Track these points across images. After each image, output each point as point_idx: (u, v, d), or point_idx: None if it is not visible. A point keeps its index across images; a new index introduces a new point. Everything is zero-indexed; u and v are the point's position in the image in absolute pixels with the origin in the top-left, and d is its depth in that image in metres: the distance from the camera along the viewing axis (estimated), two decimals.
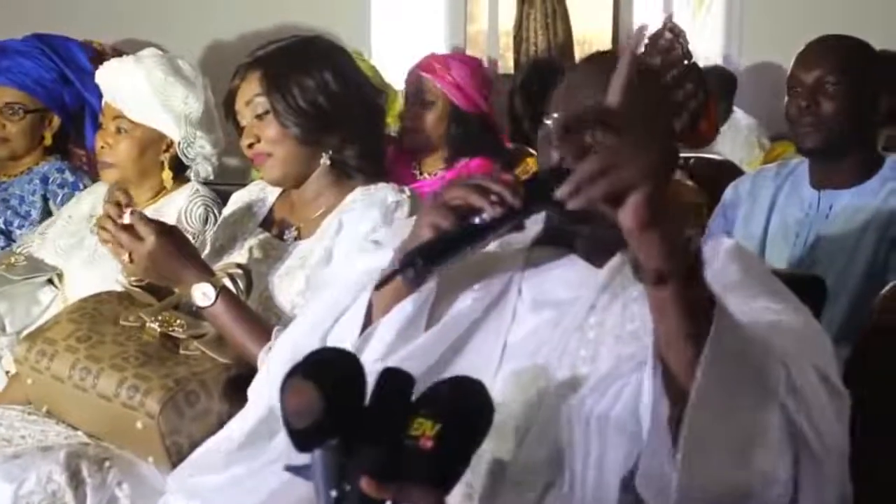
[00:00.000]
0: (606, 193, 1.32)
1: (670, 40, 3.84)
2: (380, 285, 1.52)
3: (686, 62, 3.83)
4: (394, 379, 1.30)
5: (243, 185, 2.80)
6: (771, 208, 2.84)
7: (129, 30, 4.76)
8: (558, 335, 1.69)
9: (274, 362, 1.91)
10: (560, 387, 1.65)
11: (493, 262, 1.78)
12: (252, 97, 2.34)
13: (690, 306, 1.37)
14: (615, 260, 1.72)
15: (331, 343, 1.77)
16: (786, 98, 2.82)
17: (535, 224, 1.78)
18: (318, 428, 1.22)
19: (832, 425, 1.46)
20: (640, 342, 1.62)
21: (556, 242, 1.78)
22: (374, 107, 2.47)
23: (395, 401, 1.28)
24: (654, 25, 4.59)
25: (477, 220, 1.55)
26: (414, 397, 1.30)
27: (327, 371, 1.25)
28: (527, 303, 1.75)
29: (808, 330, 1.63)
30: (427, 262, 1.48)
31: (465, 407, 1.29)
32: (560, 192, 1.29)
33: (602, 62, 1.80)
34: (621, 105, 1.34)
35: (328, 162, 2.36)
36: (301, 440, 1.23)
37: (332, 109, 2.33)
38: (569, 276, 1.75)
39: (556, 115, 1.71)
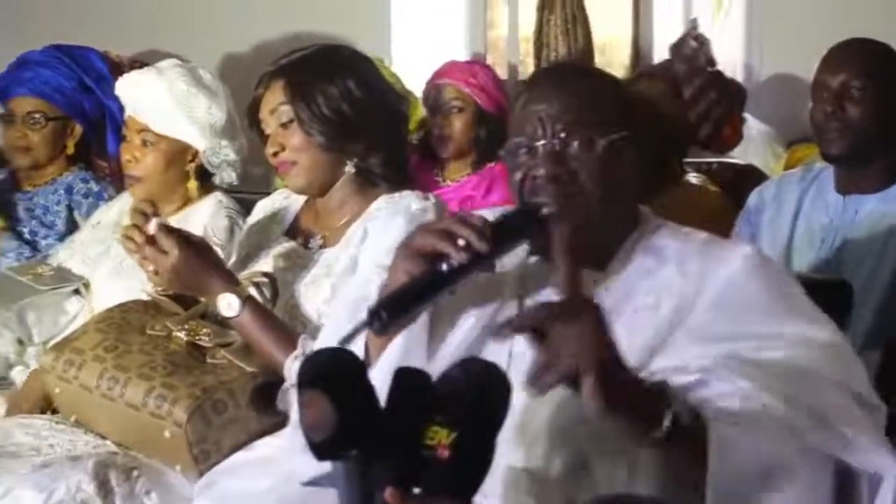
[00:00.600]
0: (562, 380, 1.39)
1: (694, 48, 3.84)
2: (345, 341, 1.52)
3: (710, 69, 3.83)
4: (409, 381, 1.30)
5: (267, 193, 2.81)
6: (796, 213, 2.82)
7: (147, 41, 4.77)
8: None
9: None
10: (568, 396, 1.65)
11: (492, 279, 1.79)
12: (276, 106, 2.35)
13: (684, 455, 1.45)
14: (613, 264, 1.74)
15: None
16: (809, 103, 2.81)
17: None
18: (335, 441, 1.22)
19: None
20: (652, 353, 1.64)
21: (549, 253, 1.79)
22: (398, 114, 2.47)
23: (411, 406, 1.27)
24: (673, 30, 4.60)
25: (444, 267, 1.59)
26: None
27: (340, 382, 1.25)
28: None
29: (837, 350, 1.64)
30: (391, 315, 1.54)
31: (481, 406, 1.28)
32: (527, 386, 1.37)
33: (554, 77, 1.84)
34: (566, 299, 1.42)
35: (353, 170, 2.37)
36: (320, 452, 1.23)
37: (356, 117, 2.33)
38: None
39: (520, 139, 1.75)
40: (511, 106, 3.80)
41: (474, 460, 1.26)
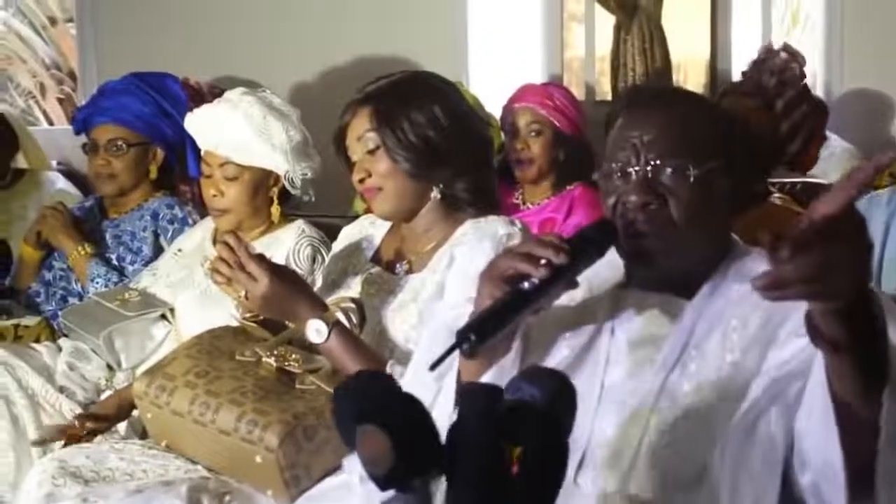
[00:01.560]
0: (808, 297, 1.27)
1: (786, 60, 3.80)
2: (434, 365, 1.53)
3: (802, 81, 3.79)
4: (480, 400, 1.25)
5: (347, 217, 2.82)
6: (886, 235, 2.78)
7: (222, 67, 4.84)
8: (657, 371, 1.69)
9: None
10: (663, 421, 1.65)
11: (584, 310, 1.81)
12: (363, 133, 2.37)
13: (867, 368, 1.33)
14: (704, 289, 1.73)
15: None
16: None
17: (617, 266, 1.80)
18: (395, 474, 1.20)
19: None
20: (741, 373, 1.63)
21: (641, 283, 1.79)
22: (483, 139, 2.48)
23: (486, 425, 1.23)
24: (751, 48, 4.56)
25: (525, 285, 1.61)
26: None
27: (396, 416, 1.22)
28: (621, 343, 1.76)
29: None
30: (480, 337, 1.55)
31: (550, 420, 1.25)
32: (757, 283, 1.23)
33: (650, 102, 1.82)
34: (841, 215, 1.24)
35: (439, 195, 2.37)
36: (381, 484, 1.22)
37: (441, 143, 2.35)
38: (661, 311, 1.75)
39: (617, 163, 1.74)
40: (587, 126, 3.84)
41: (544, 472, 1.23)
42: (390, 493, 1.23)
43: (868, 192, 2.48)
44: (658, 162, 1.71)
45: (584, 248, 1.68)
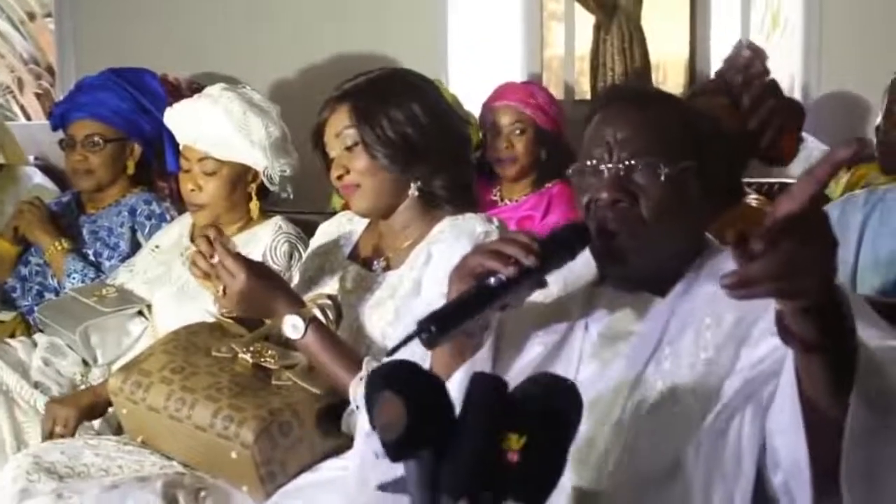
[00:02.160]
0: (775, 295, 1.27)
1: (749, 57, 3.82)
2: (391, 352, 1.54)
3: (767, 77, 3.81)
4: (485, 385, 1.30)
5: (324, 213, 2.82)
6: (861, 237, 2.79)
7: (201, 64, 4.83)
8: (630, 366, 1.70)
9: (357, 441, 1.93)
10: (637, 417, 1.66)
11: (558, 307, 1.81)
12: (341, 129, 2.37)
13: (836, 368, 1.33)
14: (678, 287, 1.74)
15: None
16: (878, 120, 2.78)
17: (591, 267, 1.80)
18: (407, 440, 1.23)
19: None
20: (715, 371, 1.63)
21: (614, 281, 1.79)
22: (462, 136, 2.48)
23: (486, 410, 1.27)
24: (730, 49, 4.58)
25: (492, 281, 1.62)
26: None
27: (412, 383, 1.27)
28: (594, 339, 1.76)
29: None
30: (440, 329, 1.56)
31: (551, 412, 1.28)
32: (724, 281, 1.24)
33: (624, 101, 1.83)
34: (804, 213, 1.24)
35: (416, 192, 2.38)
36: (393, 452, 1.24)
37: (420, 140, 2.35)
38: (635, 308, 1.76)
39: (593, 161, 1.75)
40: (566, 125, 3.85)
41: (544, 466, 1.26)
42: (397, 470, 1.25)
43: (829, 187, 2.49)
44: (630, 160, 1.72)
45: (555, 250, 1.68)
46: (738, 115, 3.51)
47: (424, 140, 2.35)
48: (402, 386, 1.26)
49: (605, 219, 1.71)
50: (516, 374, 1.73)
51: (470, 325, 1.64)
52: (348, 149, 2.36)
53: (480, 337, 1.75)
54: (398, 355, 1.57)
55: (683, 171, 1.73)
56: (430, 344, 1.58)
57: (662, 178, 1.71)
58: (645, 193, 1.71)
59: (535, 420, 1.26)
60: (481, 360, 1.73)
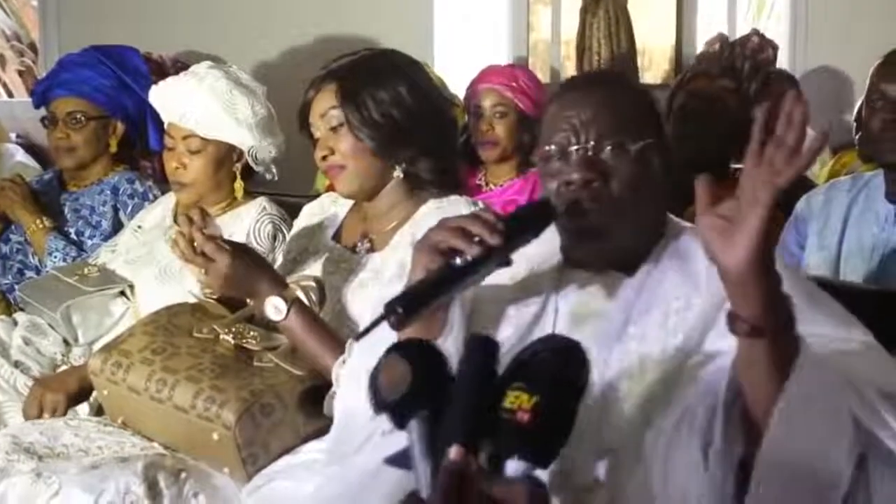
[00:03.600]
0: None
1: (759, 44, 3.83)
2: (360, 336, 1.57)
3: (774, 65, 3.81)
4: (481, 346, 1.34)
5: (308, 196, 2.81)
6: (845, 223, 2.79)
7: (185, 42, 4.80)
8: (599, 346, 1.70)
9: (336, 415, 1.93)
10: (604, 397, 1.67)
11: (526, 287, 1.82)
12: (327, 110, 2.35)
13: (780, 358, 1.41)
14: (645, 266, 1.76)
15: None
16: (857, 108, 2.78)
17: (555, 247, 1.81)
18: (410, 398, 1.28)
19: None
20: (686, 357, 1.65)
21: (582, 262, 1.80)
22: (447, 119, 2.47)
23: (483, 368, 1.31)
24: (715, 34, 4.58)
25: (458, 261, 1.63)
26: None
27: (415, 347, 1.34)
28: (565, 318, 1.77)
29: (871, 351, 1.64)
30: (407, 310, 1.57)
31: (563, 374, 1.31)
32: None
33: (584, 85, 1.88)
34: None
35: (401, 174, 2.36)
36: (396, 412, 1.29)
37: (406, 122, 2.33)
38: (602, 287, 1.77)
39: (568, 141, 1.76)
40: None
41: (554, 427, 1.28)
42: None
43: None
44: (598, 139, 1.74)
45: (519, 228, 1.69)
46: (739, 98, 3.51)
47: (410, 122, 2.33)
48: (405, 348, 1.33)
49: (580, 199, 1.72)
50: None
51: (437, 305, 1.65)
52: (333, 129, 2.35)
53: (445, 314, 1.74)
54: (369, 338, 1.60)
55: (647, 148, 1.76)
56: (398, 325, 1.59)
57: (631, 155, 1.74)
58: (615, 171, 1.74)
59: (546, 381, 1.29)
60: (451, 343, 1.72)
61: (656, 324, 1.69)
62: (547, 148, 1.78)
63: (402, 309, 1.57)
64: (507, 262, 1.68)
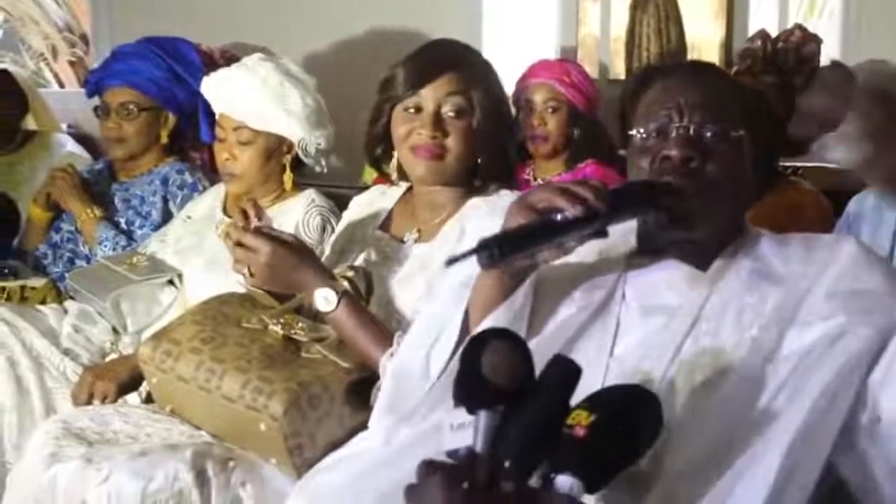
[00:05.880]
0: None
1: (802, 37, 3.78)
2: (450, 262, 1.53)
3: (819, 59, 3.76)
4: (561, 370, 1.36)
5: (356, 188, 2.80)
6: (894, 241, 2.75)
7: (233, 34, 4.81)
8: (668, 340, 1.68)
9: (384, 383, 1.94)
10: (674, 394, 1.64)
11: (594, 270, 1.80)
12: (444, 95, 2.32)
13: None
14: (718, 262, 1.74)
15: (433, 360, 1.84)
16: None
17: (628, 234, 1.80)
18: (503, 392, 1.30)
19: None
20: (758, 352, 1.62)
21: (661, 250, 1.78)
22: (511, 114, 2.48)
23: (559, 385, 1.33)
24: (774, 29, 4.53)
25: (558, 217, 1.61)
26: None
27: (524, 346, 1.35)
28: (633, 309, 1.75)
29: None
30: (502, 250, 1.55)
31: (627, 406, 1.32)
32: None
33: (692, 70, 1.87)
34: None
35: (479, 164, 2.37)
36: (479, 395, 1.30)
37: (502, 116, 2.39)
38: (674, 280, 1.75)
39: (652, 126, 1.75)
40: (600, 104, 3.82)
41: (609, 449, 1.30)
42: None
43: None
44: (701, 121, 1.73)
45: (624, 202, 1.68)
46: (785, 95, 3.47)
47: (505, 116, 2.39)
48: (517, 341, 1.35)
49: (675, 176, 1.70)
50: (552, 330, 1.74)
51: (528, 255, 1.65)
52: (456, 115, 2.32)
53: (523, 278, 1.74)
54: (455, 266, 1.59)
55: (745, 139, 1.75)
56: (489, 263, 1.58)
57: (732, 142, 1.73)
58: (714, 154, 1.72)
59: (609, 406, 1.31)
60: (520, 306, 1.72)
61: (730, 320, 1.67)
62: (643, 130, 1.76)
63: (497, 249, 1.55)
64: (604, 233, 1.67)
